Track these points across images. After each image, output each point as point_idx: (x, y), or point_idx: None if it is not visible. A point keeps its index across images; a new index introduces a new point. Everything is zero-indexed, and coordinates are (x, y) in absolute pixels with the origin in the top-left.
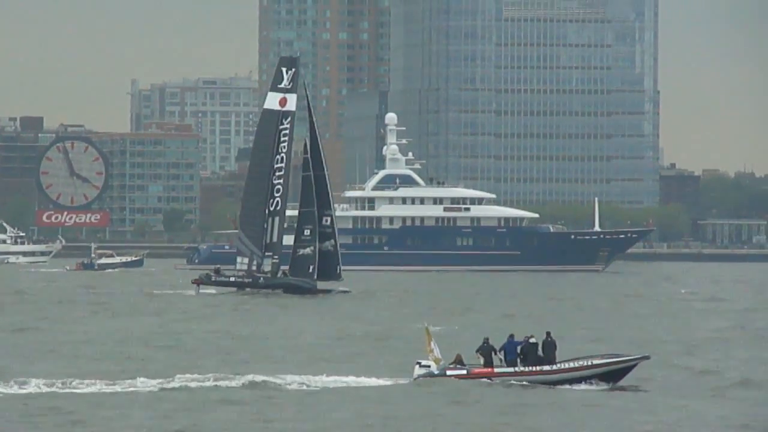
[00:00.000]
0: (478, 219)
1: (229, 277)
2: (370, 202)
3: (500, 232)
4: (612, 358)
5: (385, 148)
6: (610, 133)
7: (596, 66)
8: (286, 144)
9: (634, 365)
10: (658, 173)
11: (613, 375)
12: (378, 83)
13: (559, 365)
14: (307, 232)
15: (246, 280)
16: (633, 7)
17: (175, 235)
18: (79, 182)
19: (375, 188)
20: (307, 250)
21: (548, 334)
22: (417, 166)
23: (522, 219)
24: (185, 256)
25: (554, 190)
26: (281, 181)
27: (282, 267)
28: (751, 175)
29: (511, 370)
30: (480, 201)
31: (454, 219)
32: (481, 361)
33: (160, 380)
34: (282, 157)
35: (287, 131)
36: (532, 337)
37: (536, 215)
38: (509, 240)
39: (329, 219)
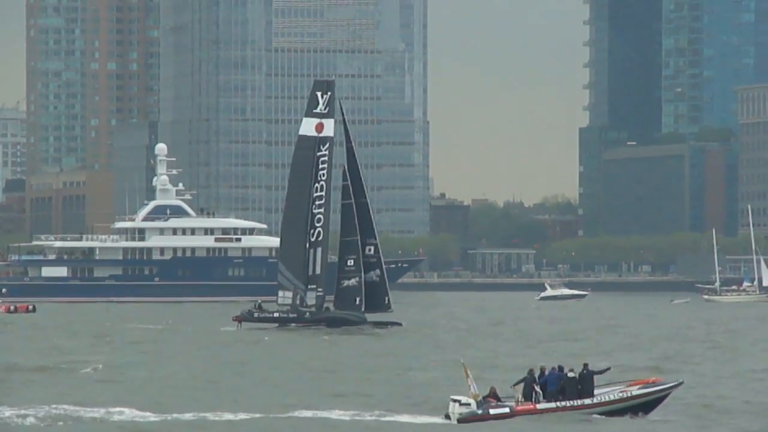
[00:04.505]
0: (250, 249)
1: (272, 312)
2: (141, 233)
3: (272, 262)
4: (648, 387)
5: (155, 178)
6: (381, 164)
7: (366, 96)
8: (325, 171)
9: (669, 393)
10: (428, 203)
11: (649, 405)
12: (148, 114)
13: (599, 398)
14: (350, 262)
15: (291, 315)
16: (402, 38)
17: None
18: None
19: (145, 219)
20: (352, 281)
21: (585, 365)
22: (188, 196)
23: None
24: None
25: None
26: (322, 210)
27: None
28: (519, 204)
29: (553, 405)
30: (251, 231)
31: (226, 249)
32: (519, 395)
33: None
34: (321, 185)
35: (326, 158)
36: (571, 370)
37: None
38: None
39: (373, 248)
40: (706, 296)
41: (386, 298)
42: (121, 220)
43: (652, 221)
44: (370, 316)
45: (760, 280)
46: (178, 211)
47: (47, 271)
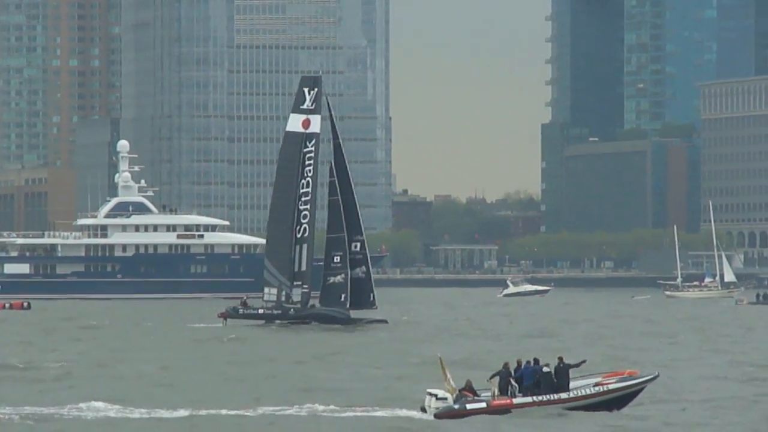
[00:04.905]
0: (212, 246)
1: (257, 309)
2: (103, 230)
3: (234, 258)
4: (624, 380)
5: (117, 175)
6: None
7: (328, 93)
8: (311, 168)
9: (644, 387)
10: (391, 199)
11: (624, 399)
12: (110, 110)
13: (575, 392)
14: (336, 258)
15: (275, 312)
16: (364, 34)
17: None
18: None
19: (107, 216)
20: (338, 278)
21: (560, 359)
22: (150, 193)
23: (256, 246)
24: None
25: None
26: (308, 207)
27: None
28: (482, 200)
29: (529, 400)
30: (213, 228)
31: (188, 246)
32: (495, 388)
33: None
34: (308, 182)
35: (312, 154)
36: (546, 365)
37: None
38: (243, 267)
39: (359, 244)
40: (667, 292)
41: (371, 295)
42: (84, 216)
43: (614, 217)
44: (355, 313)
45: (721, 276)
46: (140, 208)
47: (9, 268)
